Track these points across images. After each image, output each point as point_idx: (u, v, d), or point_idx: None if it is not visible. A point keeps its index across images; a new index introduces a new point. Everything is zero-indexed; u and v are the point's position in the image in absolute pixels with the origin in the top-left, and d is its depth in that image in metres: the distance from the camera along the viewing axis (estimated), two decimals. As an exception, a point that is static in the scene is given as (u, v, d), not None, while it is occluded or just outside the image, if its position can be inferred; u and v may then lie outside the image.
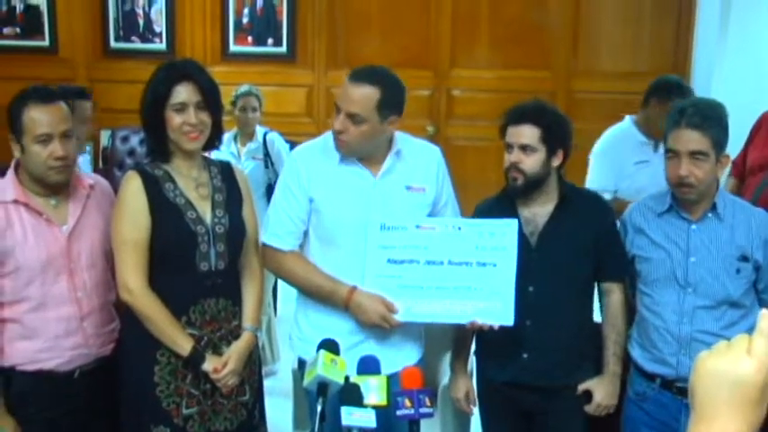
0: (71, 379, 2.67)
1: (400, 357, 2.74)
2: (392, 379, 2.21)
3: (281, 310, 5.36)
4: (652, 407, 2.79)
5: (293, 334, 2.91)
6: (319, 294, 2.75)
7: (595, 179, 4.04)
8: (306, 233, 2.78)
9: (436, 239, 2.68)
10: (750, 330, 1.10)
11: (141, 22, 7.02)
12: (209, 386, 2.68)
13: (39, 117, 2.55)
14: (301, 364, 2.81)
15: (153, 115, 2.63)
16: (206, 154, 2.84)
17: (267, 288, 4.73)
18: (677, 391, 2.70)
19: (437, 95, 7.03)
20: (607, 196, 3.70)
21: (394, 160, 2.75)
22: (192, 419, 2.67)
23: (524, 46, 6.88)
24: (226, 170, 2.82)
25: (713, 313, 2.67)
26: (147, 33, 7.03)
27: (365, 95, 2.61)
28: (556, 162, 2.78)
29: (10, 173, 2.65)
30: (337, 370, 2.08)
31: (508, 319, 2.64)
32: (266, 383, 3.05)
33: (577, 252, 2.79)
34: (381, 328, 2.68)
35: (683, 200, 2.69)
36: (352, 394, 2.05)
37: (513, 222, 2.69)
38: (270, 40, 6.99)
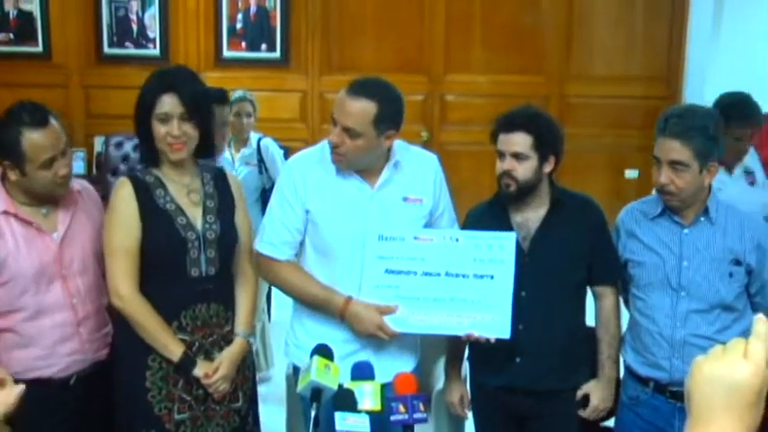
0: (67, 385, 2.67)
1: (395, 367, 2.72)
2: (387, 387, 2.20)
3: (276, 315, 5.36)
4: (645, 411, 2.79)
5: (289, 340, 2.90)
6: (315, 304, 2.74)
7: None
8: (302, 243, 2.78)
9: (434, 251, 2.68)
10: (743, 334, 1.10)
11: (135, 27, 7.02)
12: (201, 392, 2.68)
13: (39, 142, 2.52)
14: (296, 370, 2.81)
15: (143, 123, 2.63)
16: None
17: (261, 294, 4.72)
18: (671, 395, 2.71)
19: (431, 100, 7.04)
20: None
21: (392, 172, 2.74)
22: (184, 425, 2.67)
23: (518, 51, 6.90)
24: (219, 176, 2.82)
25: (706, 317, 2.68)
26: (141, 39, 7.03)
27: (362, 110, 2.59)
28: (548, 168, 2.78)
29: None
30: (331, 375, 2.08)
31: (504, 332, 2.64)
32: (260, 389, 3.05)
33: (570, 256, 2.80)
34: (377, 337, 2.67)
35: (670, 205, 2.71)
36: (346, 399, 2.05)
37: (512, 235, 2.69)
38: (263, 46, 6.99)
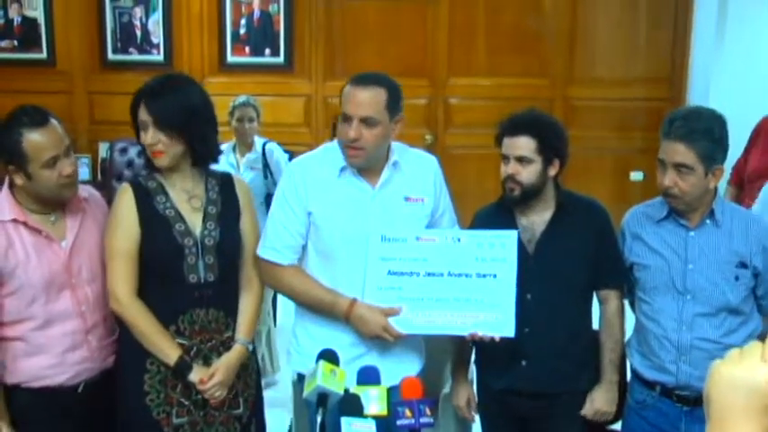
0: (75, 393, 2.66)
1: (401, 369, 2.72)
2: (392, 391, 2.20)
3: (281, 320, 5.36)
4: (652, 414, 2.78)
5: (291, 348, 2.89)
6: (319, 307, 2.74)
7: None
8: (304, 247, 2.77)
9: (436, 251, 2.68)
10: (749, 337, 1.11)
11: (139, 33, 7.04)
12: (200, 397, 2.67)
13: (40, 142, 2.52)
14: (300, 377, 2.80)
15: (136, 134, 2.68)
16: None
17: (267, 298, 4.73)
18: (677, 398, 2.70)
19: (435, 104, 7.04)
20: None
21: (392, 171, 2.75)
22: (183, 429, 2.67)
23: (521, 54, 6.90)
24: (226, 182, 2.82)
25: (712, 320, 2.66)
26: (145, 45, 7.05)
27: (375, 96, 2.62)
28: (552, 171, 2.78)
29: (4, 192, 2.63)
30: (337, 381, 2.08)
31: (509, 331, 2.63)
32: (266, 394, 3.04)
33: (575, 260, 2.79)
34: (382, 340, 2.67)
35: (675, 208, 2.70)
36: (352, 405, 2.04)
37: (513, 234, 2.69)
38: (267, 51, 7.01)
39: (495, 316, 2.63)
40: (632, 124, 6.92)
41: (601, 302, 2.89)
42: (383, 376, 2.23)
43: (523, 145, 2.73)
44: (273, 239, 2.74)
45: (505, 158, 2.77)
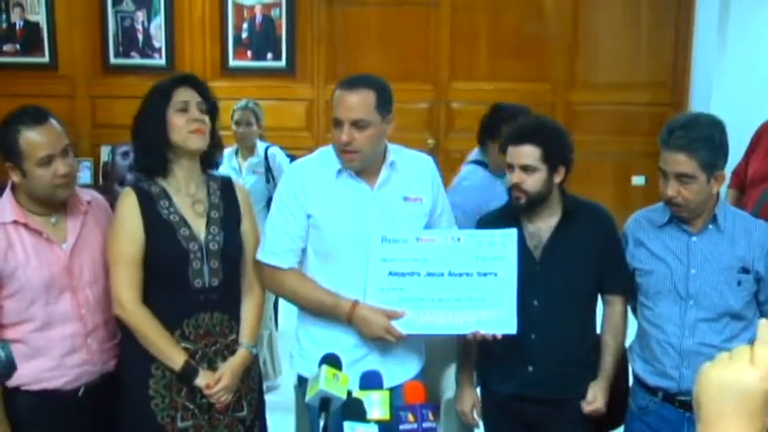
0: (75, 396, 2.66)
1: (402, 370, 2.75)
2: (394, 392, 2.21)
3: (283, 324, 5.36)
4: (654, 420, 2.77)
5: (294, 351, 2.90)
6: (321, 310, 2.74)
7: None
8: (304, 251, 2.78)
9: (436, 251, 2.69)
10: (752, 342, 1.11)
11: (141, 37, 7.05)
12: (204, 400, 2.68)
13: (37, 140, 2.54)
14: (301, 381, 2.80)
15: (153, 125, 2.63)
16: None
17: (268, 302, 4.73)
18: (679, 404, 2.70)
19: (437, 108, 7.05)
20: None
21: (389, 171, 2.76)
22: None
23: (523, 58, 6.91)
24: (226, 186, 2.83)
25: (714, 326, 2.66)
26: (147, 49, 7.06)
27: (364, 99, 2.64)
28: (558, 179, 2.78)
29: (7, 194, 2.63)
30: (339, 385, 2.08)
31: (511, 328, 2.63)
32: (268, 398, 3.04)
33: (581, 266, 2.79)
34: (385, 341, 2.67)
35: (679, 216, 2.70)
36: (355, 409, 2.05)
37: (513, 232, 2.70)
38: (269, 55, 7.02)
39: (496, 313, 2.64)
40: (634, 129, 6.92)
41: (605, 305, 2.89)
42: (384, 377, 2.24)
43: (528, 154, 2.73)
44: (273, 243, 2.74)
45: (510, 167, 2.77)
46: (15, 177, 2.58)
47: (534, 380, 2.79)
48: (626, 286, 2.85)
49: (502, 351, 2.67)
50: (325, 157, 2.76)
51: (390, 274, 2.68)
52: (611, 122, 6.95)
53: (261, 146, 5.12)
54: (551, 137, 2.78)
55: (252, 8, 6.95)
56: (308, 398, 2.12)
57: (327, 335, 2.73)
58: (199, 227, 2.69)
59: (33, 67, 7.07)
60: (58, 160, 2.56)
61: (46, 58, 7.09)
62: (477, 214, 3.11)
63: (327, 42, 7.00)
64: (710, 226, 2.69)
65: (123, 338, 2.73)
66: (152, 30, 7.03)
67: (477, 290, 2.66)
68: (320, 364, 2.13)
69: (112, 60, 7.08)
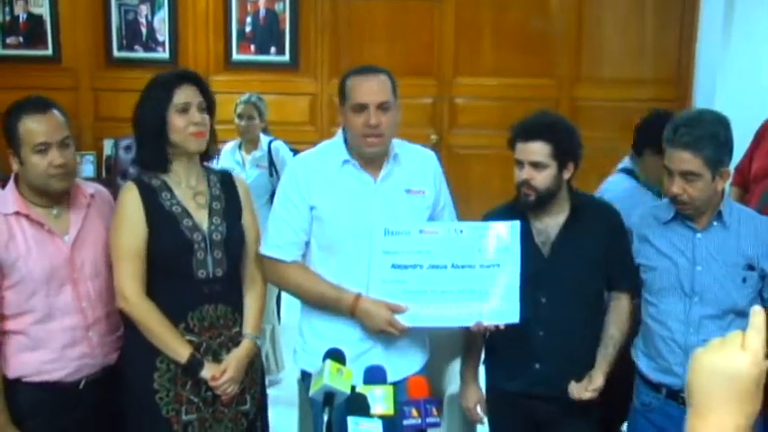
0: (77, 389, 2.66)
1: (406, 364, 2.75)
2: (398, 387, 2.21)
3: (285, 318, 5.36)
4: (658, 417, 2.77)
5: (297, 346, 2.90)
6: (324, 303, 2.74)
7: None
8: (307, 244, 2.78)
9: (439, 243, 2.69)
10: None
11: (144, 31, 7.04)
12: (209, 394, 2.68)
13: (35, 127, 2.55)
14: (305, 375, 2.80)
15: (152, 122, 2.63)
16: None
17: (271, 296, 4.73)
18: (683, 401, 2.69)
19: (440, 104, 7.03)
20: None
21: (393, 164, 2.77)
22: (192, 426, 2.67)
23: (527, 54, 6.89)
24: (226, 179, 2.84)
25: (719, 323, 2.66)
26: (150, 42, 7.05)
27: (384, 82, 2.71)
28: (567, 175, 2.77)
29: (10, 185, 2.64)
30: (343, 380, 2.08)
31: (514, 317, 2.63)
32: (270, 393, 3.04)
33: (589, 263, 2.79)
34: (388, 334, 2.67)
35: (684, 213, 2.69)
36: (358, 404, 2.04)
37: (516, 223, 2.70)
38: (273, 49, 7.00)
39: (499, 304, 2.64)
40: (638, 125, 6.89)
41: (612, 298, 2.87)
42: (388, 371, 2.24)
43: (538, 150, 2.71)
44: (276, 236, 2.75)
45: (519, 163, 2.75)
46: (15, 165, 2.60)
47: (542, 377, 2.78)
48: (633, 284, 2.84)
49: (508, 348, 2.66)
50: (327, 150, 2.77)
51: (393, 266, 2.68)
52: (616, 118, 6.90)
53: (264, 140, 5.12)
54: (562, 133, 2.76)
55: (255, 2, 6.93)
56: (311, 392, 2.12)
57: (331, 328, 2.73)
58: (201, 218, 2.69)
59: (37, 59, 7.06)
60: (54, 150, 2.56)
61: (49, 51, 7.07)
62: None
63: (331, 37, 6.98)
64: (716, 222, 2.69)
65: (126, 332, 2.74)
66: (155, 23, 7.02)
67: (480, 281, 2.66)
68: (324, 359, 2.14)
69: (116, 53, 7.07)
